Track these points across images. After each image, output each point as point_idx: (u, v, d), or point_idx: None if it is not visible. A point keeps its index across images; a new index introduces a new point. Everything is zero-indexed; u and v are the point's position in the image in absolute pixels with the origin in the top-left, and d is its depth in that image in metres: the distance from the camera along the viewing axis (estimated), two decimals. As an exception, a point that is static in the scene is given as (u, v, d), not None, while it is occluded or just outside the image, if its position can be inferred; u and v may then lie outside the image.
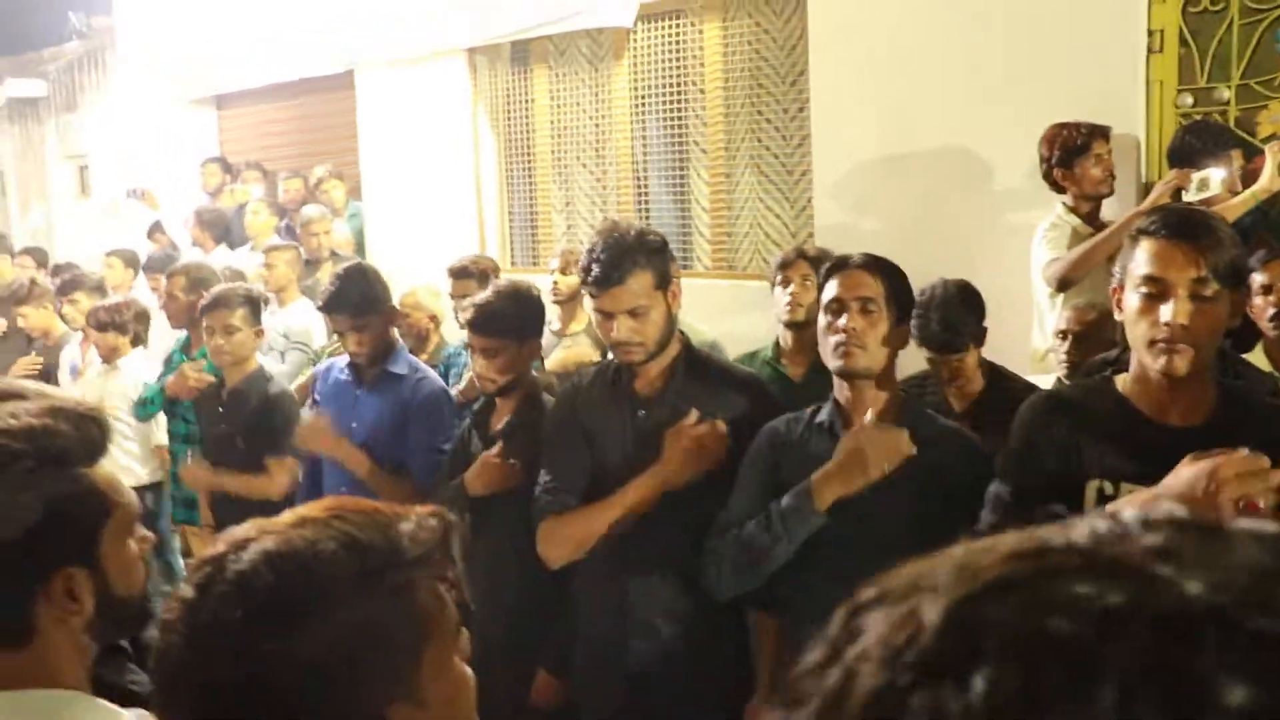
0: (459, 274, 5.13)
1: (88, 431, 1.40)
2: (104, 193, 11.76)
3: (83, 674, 1.40)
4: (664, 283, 2.76)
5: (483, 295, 3.42)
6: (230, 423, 4.43)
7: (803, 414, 2.65)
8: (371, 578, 0.99)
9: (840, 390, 2.57)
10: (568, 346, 5.03)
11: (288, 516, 1.04)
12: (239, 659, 0.94)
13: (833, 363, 2.51)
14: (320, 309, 4.02)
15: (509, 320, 3.33)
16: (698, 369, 2.86)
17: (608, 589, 2.86)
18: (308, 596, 0.96)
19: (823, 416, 2.60)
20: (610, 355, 2.96)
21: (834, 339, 2.49)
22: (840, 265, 2.55)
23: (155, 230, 8.83)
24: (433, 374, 4.10)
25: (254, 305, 4.38)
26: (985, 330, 3.53)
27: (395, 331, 4.14)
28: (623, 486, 2.78)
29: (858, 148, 5.52)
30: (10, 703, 1.31)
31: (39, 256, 8.75)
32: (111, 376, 5.51)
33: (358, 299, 3.84)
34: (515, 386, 3.39)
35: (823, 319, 2.54)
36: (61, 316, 6.31)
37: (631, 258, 2.70)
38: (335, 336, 5.44)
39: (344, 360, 4.09)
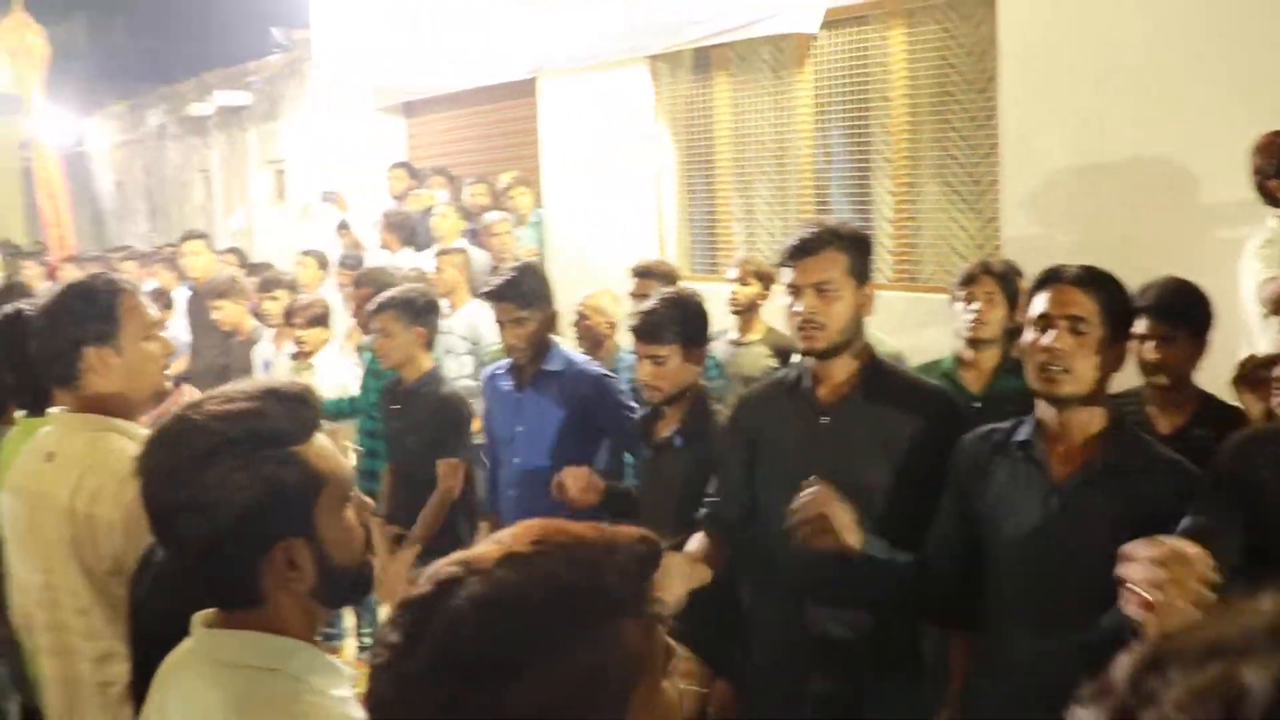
0: (643, 273, 5.12)
1: (298, 412, 1.48)
2: (299, 196, 12.27)
3: (310, 634, 1.51)
4: (859, 275, 2.69)
5: (648, 303, 3.41)
6: (404, 421, 4.55)
7: (997, 430, 2.52)
8: (580, 625, 0.96)
9: (1044, 410, 2.41)
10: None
11: (493, 550, 1.00)
12: (447, 711, 0.94)
13: (1036, 384, 2.36)
14: (486, 296, 4.07)
15: (673, 327, 3.30)
16: (883, 379, 2.77)
17: (786, 609, 2.79)
18: (516, 649, 0.94)
19: (1022, 435, 2.45)
20: (792, 359, 2.89)
21: (1039, 359, 2.33)
22: (1051, 278, 2.38)
23: (342, 227, 9.14)
24: (588, 361, 4.13)
25: (409, 308, 4.43)
26: (1205, 343, 3.25)
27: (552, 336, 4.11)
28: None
29: (1049, 157, 5.28)
30: (241, 640, 1.46)
31: (239, 256, 9.16)
32: (308, 374, 5.67)
33: (525, 290, 3.88)
34: (681, 395, 3.36)
35: (1029, 334, 2.38)
36: (258, 315, 6.54)
37: (831, 235, 2.66)
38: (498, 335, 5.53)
39: (504, 365, 4.13)
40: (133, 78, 27.66)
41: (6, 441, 3.10)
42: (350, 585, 1.55)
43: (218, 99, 13.96)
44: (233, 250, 9.34)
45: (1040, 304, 2.37)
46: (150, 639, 1.91)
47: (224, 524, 1.41)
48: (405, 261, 7.54)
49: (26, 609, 2.44)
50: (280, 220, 12.95)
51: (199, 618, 1.51)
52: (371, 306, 4.52)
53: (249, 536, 1.43)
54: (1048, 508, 2.37)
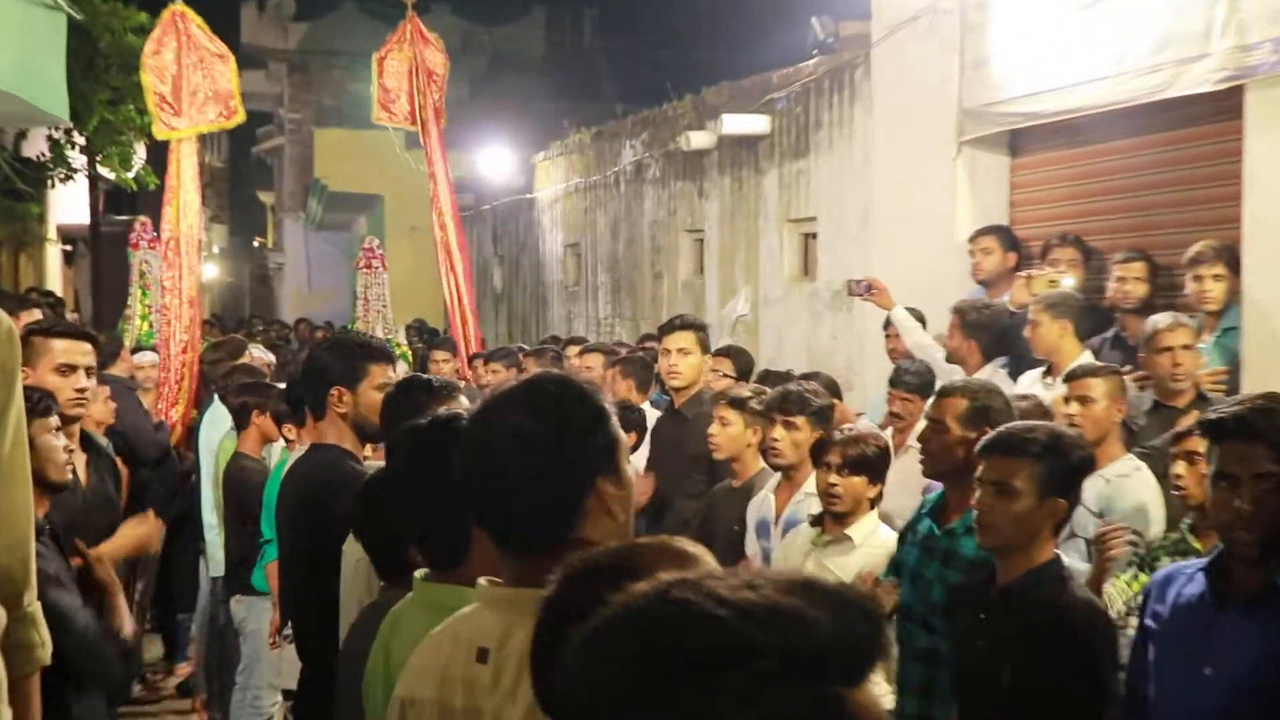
0: None
1: (856, 630, 1.42)
2: (832, 273, 12.37)
3: None
4: None
5: None
6: (996, 631, 4.62)
7: None
8: None
9: None
10: None
11: None
12: None
13: None
14: (1208, 429, 4.15)
15: None
16: None
17: None
18: None
19: None
20: None
21: None
22: None
23: (888, 330, 9.02)
24: None
25: (1052, 475, 4.54)
26: None
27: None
28: None
29: None
30: None
31: (737, 362, 9.21)
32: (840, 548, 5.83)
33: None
34: None
35: None
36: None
37: None
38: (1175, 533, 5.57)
39: (1194, 566, 4.19)
40: (598, 96, 29.96)
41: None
42: None
43: (723, 126, 14.49)
44: (727, 353, 9.41)
45: None
46: None
47: None
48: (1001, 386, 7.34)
49: None
50: (805, 308, 13.14)
51: None
52: (987, 448, 4.66)
53: None
54: None
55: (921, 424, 7.55)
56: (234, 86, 12.53)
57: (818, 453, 6.11)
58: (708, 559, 2.13)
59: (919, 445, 5.79)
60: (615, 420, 2.70)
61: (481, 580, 2.72)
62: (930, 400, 6.11)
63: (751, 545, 6.80)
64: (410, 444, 3.65)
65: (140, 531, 5.45)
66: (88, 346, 6.01)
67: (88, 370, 5.95)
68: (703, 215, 16.09)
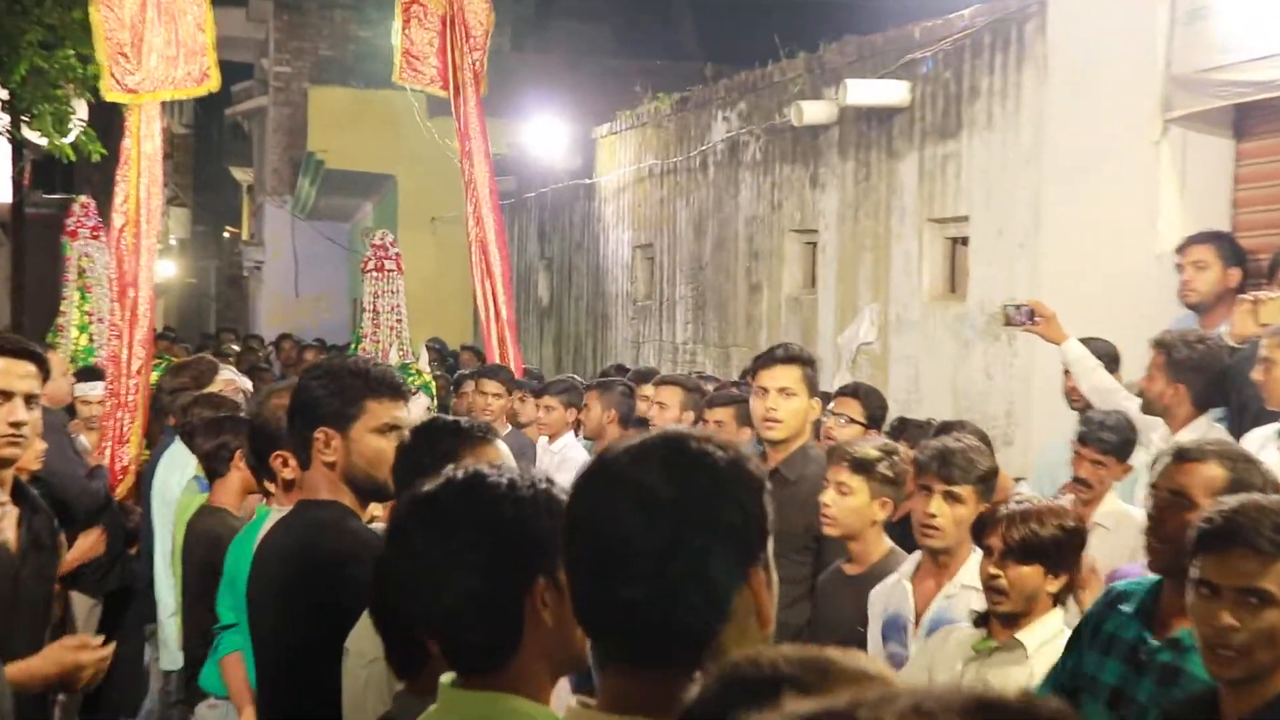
0: None
1: None
2: (985, 292, 12.30)
3: None
4: None
5: None
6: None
7: None
8: None
9: None
10: None
11: None
12: None
13: None
14: None
15: None
16: None
17: None
18: None
19: None
20: None
21: None
22: None
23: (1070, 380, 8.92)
24: None
25: None
26: None
27: None
28: None
29: None
30: None
31: (866, 403, 9.10)
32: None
33: None
34: None
35: None
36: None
37: None
38: None
39: None
40: (680, 51, 30.04)
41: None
42: None
43: (847, 94, 14.50)
44: (854, 393, 9.31)
45: None
46: None
47: None
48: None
49: None
50: (951, 335, 13.16)
51: None
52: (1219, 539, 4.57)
53: None
54: None
55: (1112, 497, 7.52)
56: (209, 40, 11.95)
57: (979, 533, 6.06)
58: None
59: (1147, 527, 5.52)
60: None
61: (571, 701, 2.76)
62: (1157, 467, 5.77)
63: (874, 646, 6.67)
64: (421, 516, 3.64)
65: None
66: (30, 367, 5.98)
67: (28, 398, 5.91)
68: (816, 211, 16.08)
